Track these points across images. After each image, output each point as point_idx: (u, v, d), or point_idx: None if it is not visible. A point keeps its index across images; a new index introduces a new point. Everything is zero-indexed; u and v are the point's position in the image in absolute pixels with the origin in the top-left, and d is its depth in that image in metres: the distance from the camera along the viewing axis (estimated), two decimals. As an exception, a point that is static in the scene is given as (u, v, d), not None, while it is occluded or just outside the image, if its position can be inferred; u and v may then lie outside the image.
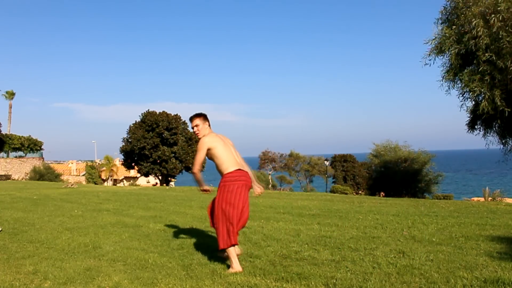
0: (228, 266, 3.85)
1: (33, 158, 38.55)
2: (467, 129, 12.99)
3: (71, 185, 18.83)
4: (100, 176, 47.35)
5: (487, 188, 16.99)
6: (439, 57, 11.26)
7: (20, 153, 38.74)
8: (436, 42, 11.05)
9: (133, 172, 47.27)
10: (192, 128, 4.18)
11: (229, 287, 3.32)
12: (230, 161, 4.00)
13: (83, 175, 46.42)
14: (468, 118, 12.80)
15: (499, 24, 9.53)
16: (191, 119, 4.17)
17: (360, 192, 36.48)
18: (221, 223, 3.88)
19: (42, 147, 40.40)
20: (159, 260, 4.17)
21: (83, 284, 3.47)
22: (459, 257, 4.08)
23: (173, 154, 37.06)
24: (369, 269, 3.70)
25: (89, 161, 54.98)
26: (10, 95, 44.60)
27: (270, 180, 40.39)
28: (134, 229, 6.07)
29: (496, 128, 12.44)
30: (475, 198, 18.76)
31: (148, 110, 38.04)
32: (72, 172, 50.03)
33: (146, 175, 38.91)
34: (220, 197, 3.92)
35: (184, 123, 38.77)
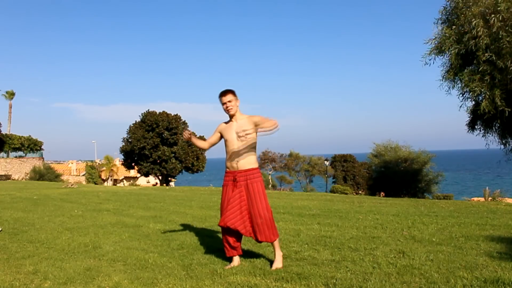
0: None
1: (33, 158, 38.57)
2: (467, 129, 12.98)
3: (71, 185, 18.82)
4: (100, 176, 47.38)
5: (487, 188, 17.00)
6: (439, 57, 11.26)
7: (20, 153, 38.75)
8: (436, 42, 11.05)
9: (133, 172, 47.28)
10: (224, 104, 3.94)
11: (229, 287, 3.32)
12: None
13: (83, 175, 46.44)
14: (468, 118, 12.80)
15: (499, 24, 9.52)
16: (224, 93, 3.93)
17: (360, 192, 36.48)
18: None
19: (42, 147, 40.46)
20: (159, 260, 4.17)
21: (83, 284, 3.47)
22: (459, 257, 4.08)
23: (173, 154, 37.07)
24: (369, 269, 3.70)
25: (89, 161, 55.01)
26: (10, 95, 44.62)
27: (270, 180, 40.43)
28: (134, 229, 6.07)
29: (496, 128, 12.44)
30: (475, 198, 18.75)
31: (148, 110, 38.06)
32: (72, 172, 50.04)
33: (146, 175, 38.92)
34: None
35: (184, 123, 38.76)
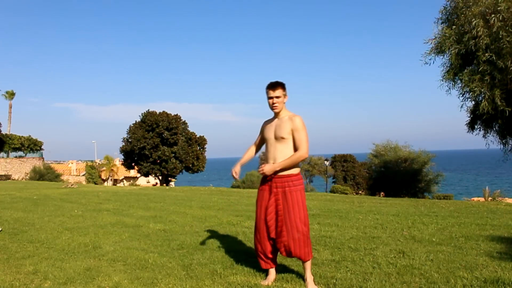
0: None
1: (33, 158, 38.59)
2: (467, 129, 12.97)
3: (71, 185, 18.82)
4: (100, 176, 47.37)
5: (487, 188, 16.99)
6: (439, 57, 11.24)
7: (20, 153, 38.78)
8: (436, 42, 11.04)
9: (133, 172, 47.30)
10: (270, 98, 3.42)
11: (229, 287, 3.32)
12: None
13: (83, 175, 46.45)
14: (468, 118, 12.79)
15: (499, 24, 9.51)
16: (273, 86, 3.42)
17: (360, 192, 36.49)
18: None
19: (42, 147, 40.50)
20: (159, 260, 4.17)
21: (83, 284, 3.47)
22: (459, 257, 4.08)
23: (173, 154, 37.07)
24: (369, 269, 3.70)
25: (89, 161, 54.98)
26: (10, 95, 44.62)
27: (270, 180, 40.31)
28: (134, 229, 6.07)
29: (496, 128, 12.43)
30: (475, 198, 18.75)
31: (148, 110, 38.07)
32: (72, 172, 50.04)
33: (146, 175, 38.92)
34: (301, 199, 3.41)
35: (184, 123, 38.76)
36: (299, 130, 3.38)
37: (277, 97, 3.41)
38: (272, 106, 3.44)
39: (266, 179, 3.47)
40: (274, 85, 3.43)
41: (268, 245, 3.44)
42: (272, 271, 3.49)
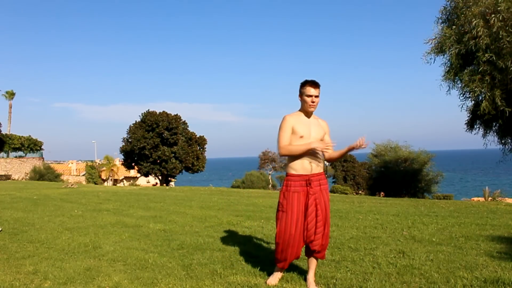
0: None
1: (33, 158, 38.59)
2: (466, 128, 12.96)
3: (71, 185, 18.82)
4: (100, 176, 47.35)
5: (487, 188, 16.99)
6: (439, 56, 11.25)
7: (20, 153, 38.77)
8: (436, 42, 11.04)
9: (133, 172, 47.26)
10: (310, 96, 3.33)
11: (229, 287, 3.32)
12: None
13: (83, 175, 46.44)
14: (468, 118, 12.79)
15: (499, 24, 9.51)
16: (316, 85, 3.34)
17: (360, 192, 36.49)
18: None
19: (42, 147, 40.48)
20: (159, 260, 4.17)
21: (83, 284, 3.47)
22: (459, 257, 4.08)
23: (173, 154, 37.06)
24: (369, 269, 3.70)
25: (89, 161, 54.97)
26: (10, 95, 44.65)
27: (270, 180, 40.41)
28: (134, 229, 6.07)
29: (496, 128, 12.43)
30: (475, 198, 18.76)
31: (148, 110, 38.04)
32: (72, 172, 50.02)
33: (146, 175, 38.91)
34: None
35: (184, 123, 38.75)
36: (329, 134, 3.57)
37: (316, 96, 3.35)
38: (310, 105, 3.35)
39: (298, 179, 3.32)
40: (316, 84, 3.36)
41: (301, 247, 3.36)
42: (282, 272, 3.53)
